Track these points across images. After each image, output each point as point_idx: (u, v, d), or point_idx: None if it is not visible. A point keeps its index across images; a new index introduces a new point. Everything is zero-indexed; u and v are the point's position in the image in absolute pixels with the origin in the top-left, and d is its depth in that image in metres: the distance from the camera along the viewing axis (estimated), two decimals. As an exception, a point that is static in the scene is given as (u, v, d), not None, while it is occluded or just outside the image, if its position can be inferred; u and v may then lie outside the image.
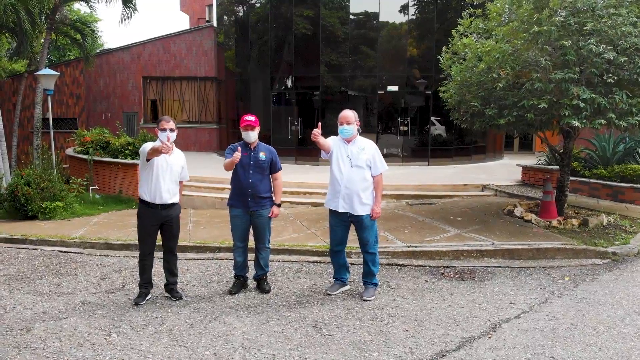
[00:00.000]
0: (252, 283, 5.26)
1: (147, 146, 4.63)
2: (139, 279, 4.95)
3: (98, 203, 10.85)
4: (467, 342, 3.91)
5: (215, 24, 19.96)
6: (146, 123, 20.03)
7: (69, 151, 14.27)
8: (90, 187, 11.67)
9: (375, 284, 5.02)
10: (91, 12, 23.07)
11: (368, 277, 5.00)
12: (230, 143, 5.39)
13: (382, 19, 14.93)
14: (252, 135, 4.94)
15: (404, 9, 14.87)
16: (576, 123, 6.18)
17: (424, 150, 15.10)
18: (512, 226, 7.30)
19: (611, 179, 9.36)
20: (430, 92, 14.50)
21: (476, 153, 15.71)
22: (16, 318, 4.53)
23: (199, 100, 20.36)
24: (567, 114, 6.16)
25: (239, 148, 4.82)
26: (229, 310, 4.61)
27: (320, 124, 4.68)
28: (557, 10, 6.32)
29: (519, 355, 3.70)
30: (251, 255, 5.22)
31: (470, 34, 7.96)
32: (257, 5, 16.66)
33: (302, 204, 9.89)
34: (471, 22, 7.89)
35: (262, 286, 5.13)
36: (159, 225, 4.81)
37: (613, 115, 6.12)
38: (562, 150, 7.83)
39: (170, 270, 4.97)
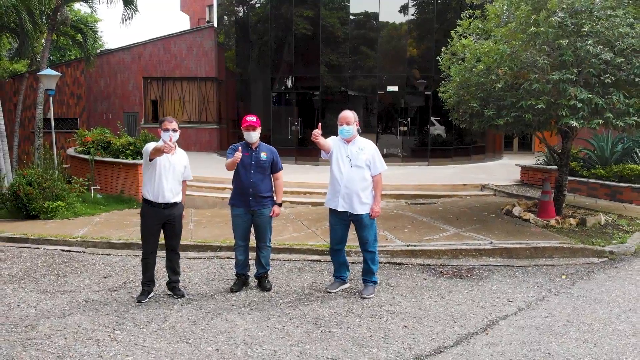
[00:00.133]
0: (253, 281, 5.33)
1: (150, 146, 4.71)
2: (141, 277, 5.02)
3: (99, 203, 10.92)
4: (465, 339, 3.98)
5: (215, 25, 20.03)
6: (147, 123, 20.11)
7: (70, 151, 14.34)
8: (92, 187, 11.74)
9: (375, 282, 5.09)
10: (92, 12, 23.12)
11: (367, 275, 5.06)
12: (231, 143, 5.46)
13: (382, 19, 15.01)
14: (254, 136, 5.01)
15: (403, 9, 14.94)
16: (574, 123, 6.24)
17: (423, 150, 15.17)
18: (511, 225, 7.37)
19: (609, 179, 9.43)
20: (430, 93, 14.56)
21: (476, 153, 15.78)
22: (20, 315, 4.60)
23: (199, 100, 20.43)
24: (564, 114, 6.22)
25: (240, 148, 4.88)
26: (231, 308, 4.68)
27: (320, 124, 4.76)
28: (555, 11, 6.38)
29: (515, 351, 3.77)
30: (252, 254, 5.28)
31: (469, 34, 8.02)
32: (257, 5, 16.74)
33: (302, 203, 9.95)
34: (470, 23, 7.95)
35: (263, 284, 5.20)
36: (161, 224, 4.88)
37: (610, 115, 6.18)
38: (560, 151, 7.90)
39: (173, 268, 5.04)
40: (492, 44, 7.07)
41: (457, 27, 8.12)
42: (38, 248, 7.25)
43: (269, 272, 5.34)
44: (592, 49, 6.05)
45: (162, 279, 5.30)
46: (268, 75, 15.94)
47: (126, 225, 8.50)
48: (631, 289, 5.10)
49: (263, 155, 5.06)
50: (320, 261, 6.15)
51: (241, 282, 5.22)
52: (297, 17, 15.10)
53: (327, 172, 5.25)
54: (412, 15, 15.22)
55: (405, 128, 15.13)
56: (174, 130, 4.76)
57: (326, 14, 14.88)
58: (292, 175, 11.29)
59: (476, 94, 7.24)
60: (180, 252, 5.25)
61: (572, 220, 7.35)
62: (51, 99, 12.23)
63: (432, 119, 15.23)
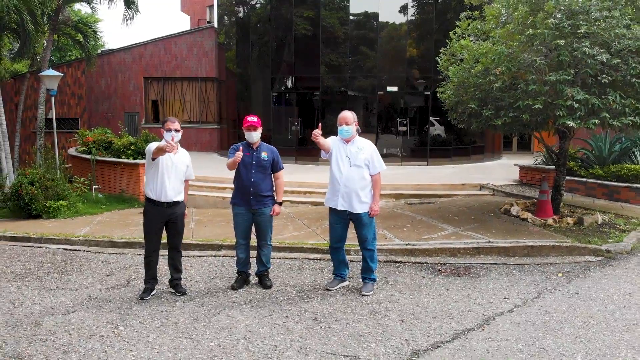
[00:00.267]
0: (254, 279, 5.41)
1: (153, 146, 4.78)
2: (144, 275, 5.10)
3: (101, 202, 11.00)
4: (462, 334, 4.06)
5: (215, 25, 20.12)
6: (147, 123, 20.19)
7: (72, 151, 14.42)
8: (93, 187, 11.82)
9: (374, 280, 5.17)
10: (92, 12, 23.18)
11: (366, 273, 5.14)
12: (231, 143, 5.54)
13: (381, 19, 15.09)
14: (255, 136, 5.09)
15: (403, 9, 15.02)
16: (571, 123, 6.32)
17: (423, 150, 15.25)
18: (509, 224, 7.45)
19: (607, 179, 9.50)
20: (429, 93, 14.64)
21: (475, 153, 15.85)
22: (25, 312, 4.67)
23: (199, 100, 20.51)
24: (561, 115, 6.30)
25: (241, 148, 4.96)
26: (232, 305, 4.76)
27: (320, 124, 4.85)
28: (552, 13, 6.45)
29: (511, 346, 3.85)
30: (253, 253, 5.36)
31: (468, 35, 8.09)
32: (258, 6, 16.82)
33: (302, 203, 10.03)
34: (469, 24, 8.02)
35: (263, 282, 5.28)
36: (164, 222, 4.96)
37: (607, 115, 6.25)
38: (558, 151, 7.97)
39: (175, 266, 5.12)
40: (490, 44, 7.15)
41: (456, 28, 8.20)
42: (41, 247, 7.32)
43: (269, 270, 5.42)
44: (588, 50, 6.12)
45: (164, 276, 5.38)
46: (268, 76, 16.02)
47: (128, 224, 8.58)
48: (626, 286, 5.18)
49: (264, 155, 5.13)
50: (320, 259, 6.23)
51: (242, 279, 5.30)
52: (297, 18, 15.17)
53: (327, 172, 5.32)
54: (412, 15, 15.31)
55: (404, 128, 15.21)
56: (177, 131, 4.84)
57: (326, 15, 14.96)
58: (293, 175, 11.36)
59: (474, 94, 7.31)
60: (182, 251, 5.32)
61: (570, 220, 7.42)
62: (52, 99, 12.31)
63: (431, 119, 15.31)
